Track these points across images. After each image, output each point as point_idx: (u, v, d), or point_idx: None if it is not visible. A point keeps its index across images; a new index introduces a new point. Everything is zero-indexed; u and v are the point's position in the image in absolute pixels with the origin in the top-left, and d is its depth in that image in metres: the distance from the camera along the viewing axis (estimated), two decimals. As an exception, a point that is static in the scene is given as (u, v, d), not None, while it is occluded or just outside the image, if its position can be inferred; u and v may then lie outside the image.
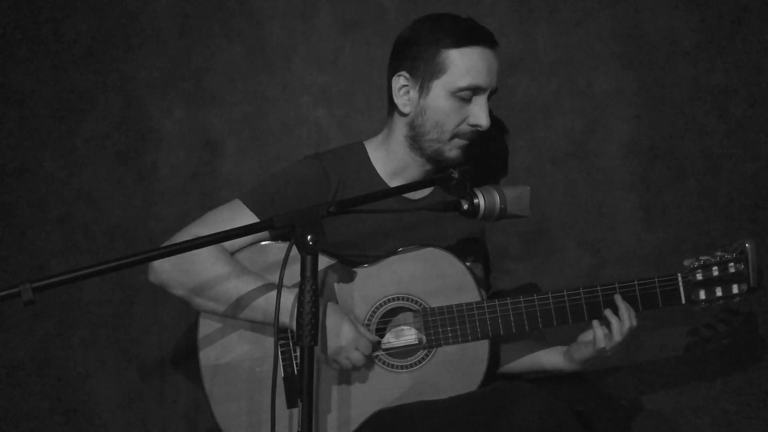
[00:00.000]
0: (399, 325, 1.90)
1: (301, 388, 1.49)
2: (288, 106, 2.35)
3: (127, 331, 2.31)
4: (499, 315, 1.88)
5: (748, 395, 2.37)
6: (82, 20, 2.31)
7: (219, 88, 2.34)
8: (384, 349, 1.87)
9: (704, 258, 1.94)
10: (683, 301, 1.93)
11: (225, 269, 1.76)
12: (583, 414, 2.34)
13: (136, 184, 2.33)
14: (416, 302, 1.88)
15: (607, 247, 2.39)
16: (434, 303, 1.88)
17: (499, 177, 2.38)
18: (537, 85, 2.38)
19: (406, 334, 1.90)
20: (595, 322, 1.87)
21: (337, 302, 1.84)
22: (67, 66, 2.31)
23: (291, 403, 1.82)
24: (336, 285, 1.86)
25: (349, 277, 1.86)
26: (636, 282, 1.90)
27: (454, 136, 1.87)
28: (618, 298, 1.88)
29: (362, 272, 1.87)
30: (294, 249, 1.49)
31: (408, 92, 1.89)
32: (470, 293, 1.89)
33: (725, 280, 1.94)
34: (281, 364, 1.82)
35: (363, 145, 1.99)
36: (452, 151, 1.88)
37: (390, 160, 1.95)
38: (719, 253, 1.95)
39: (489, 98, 1.88)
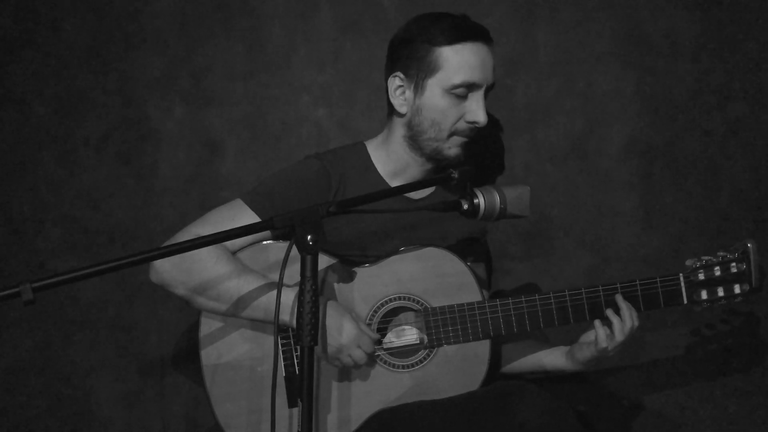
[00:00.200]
0: (400, 325, 1.90)
1: (301, 387, 1.49)
2: (288, 106, 2.36)
3: (127, 331, 2.32)
4: (500, 315, 1.88)
5: (749, 395, 2.37)
6: (82, 20, 2.31)
7: (219, 88, 2.34)
8: (385, 349, 1.87)
9: (706, 258, 1.94)
10: (685, 302, 1.93)
11: (226, 268, 1.76)
12: (584, 414, 2.34)
13: (136, 184, 2.33)
14: (417, 302, 1.88)
15: (607, 247, 2.39)
16: (435, 303, 1.88)
17: (499, 177, 2.38)
18: (537, 85, 2.38)
19: (408, 334, 1.90)
20: (597, 322, 1.87)
21: (336, 301, 1.84)
22: (67, 66, 2.31)
23: (292, 403, 1.82)
24: (336, 284, 1.86)
25: (350, 277, 1.86)
26: (638, 282, 1.90)
27: (452, 134, 1.87)
28: (619, 298, 1.88)
29: (363, 272, 1.87)
30: (294, 248, 1.49)
31: (404, 92, 1.89)
32: (471, 293, 1.89)
33: (727, 281, 1.94)
34: (282, 363, 1.82)
35: (364, 145, 1.99)
36: (451, 149, 1.88)
37: (390, 160, 1.95)
38: (721, 253, 1.95)
39: (486, 94, 1.87)
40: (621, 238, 2.39)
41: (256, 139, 2.35)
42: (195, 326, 1.84)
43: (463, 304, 1.87)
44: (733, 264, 1.93)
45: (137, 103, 2.33)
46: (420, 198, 1.98)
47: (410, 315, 1.90)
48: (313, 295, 1.49)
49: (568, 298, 1.89)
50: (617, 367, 2.38)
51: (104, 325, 2.31)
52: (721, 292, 1.94)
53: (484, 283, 2.01)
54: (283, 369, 1.82)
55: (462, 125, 1.86)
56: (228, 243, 1.78)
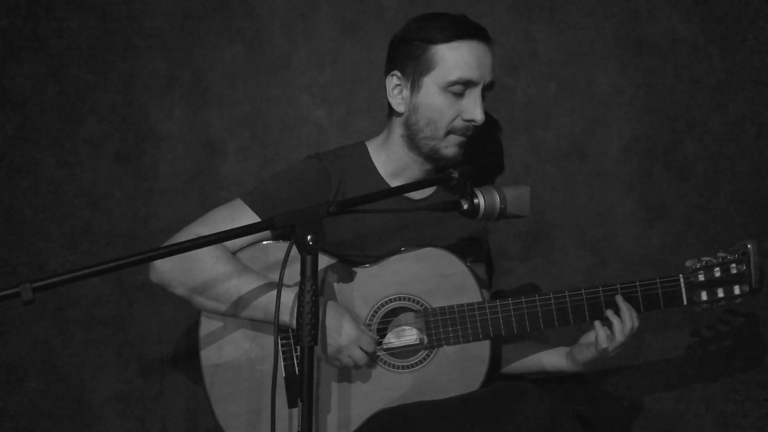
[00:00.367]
0: (400, 325, 1.90)
1: (301, 387, 1.49)
2: (288, 106, 2.36)
3: (127, 331, 2.32)
4: (500, 315, 1.88)
5: (749, 396, 2.37)
6: (82, 20, 2.31)
7: (219, 88, 2.34)
8: (385, 349, 1.87)
9: (706, 259, 1.94)
10: (685, 303, 1.93)
11: (226, 268, 1.76)
12: (584, 415, 2.34)
13: (136, 184, 2.33)
14: (418, 302, 1.88)
15: (607, 247, 2.39)
16: (435, 303, 1.88)
17: (499, 177, 2.38)
18: (537, 85, 2.38)
19: (408, 334, 1.90)
20: (597, 323, 1.87)
21: (336, 302, 1.84)
22: (68, 66, 2.31)
23: (292, 403, 1.82)
24: (336, 284, 1.86)
25: (350, 277, 1.86)
26: (638, 283, 1.91)
27: (449, 132, 1.86)
28: (619, 299, 1.88)
29: (363, 272, 1.87)
30: (294, 248, 1.49)
31: (401, 91, 1.89)
32: (472, 293, 1.89)
33: (727, 281, 1.94)
34: (282, 363, 1.82)
35: (364, 145, 1.99)
36: (448, 148, 1.88)
37: (390, 160, 1.95)
38: (721, 254, 1.95)
39: (484, 93, 1.87)
40: (621, 238, 2.39)
41: (256, 139, 2.35)
42: (195, 326, 1.84)
43: (463, 305, 1.87)
44: (733, 265, 1.93)
45: (137, 103, 2.33)
46: (420, 198, 1.98)
47: (410, 315, 1.90)
48: (313, 295, 1.49)
49: (568, 299, 1.89)
50: (617, 368, 2.38)
51: (104, 325, 2.31)
52: (720, 293, 1.94)
53: (484, 284, 2.01)
54: (283, 369, 1.82)
55: (459, 123, 1.85)
56: (228, 243, 1.78)
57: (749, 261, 1.94)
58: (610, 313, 1.87)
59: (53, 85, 2.31)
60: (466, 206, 1.72)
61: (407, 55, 1.86)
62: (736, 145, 2.39)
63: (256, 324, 1.81)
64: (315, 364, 1.79)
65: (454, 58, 1.81)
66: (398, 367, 1.86)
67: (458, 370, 1.87)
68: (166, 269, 1.76)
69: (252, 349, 1.83)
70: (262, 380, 1.81)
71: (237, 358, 1.82)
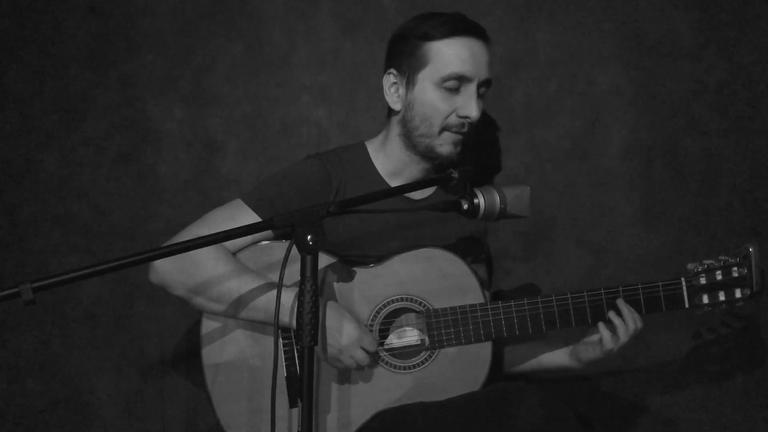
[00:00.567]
0: (402, 326, 1.90)
1: (301, 388, 1.49)
2: (288, 106, 2.36)
3: (127, 331, 2.32)
4: (502, 317, 1.87)
5: (750, 397, 2.37)
6: (82, 20, 2.31)
7: (219, 88, 2.34)
8: (387, 350, 1.87)
9: (708, 262, 1.94)
10: (687, 306, 1.93)
11: (226, 269, 1.76)
12: (583, 416, 2.34)
13: (136, 184, 2.33)
14: (419, 303, 1.88)
15: (607, 247, 2.39)
16: (437, 304, 1.87)
17: (499, 177, 2.38)
18: (537, 85, 2.38)
19: (409, 335, 1.90)
20: (601, 325, 1.87)
21: (337, 302, 1.84)
22: (67, 66, 2.31)
23: (293, 403, 1.82)
24: (336, 284, 1.86)
25: (350, 277, 1.86)
26: (640, 286, 1.90)
27: (444, 129, 1.86)
28: (621, 302, 1.88)
29: (364, 272, 1.87)
30: (294, 248, 1.49)
31: (398, 89, 1.89)
32: (474, 294, 1.89)
33: (728, 285, 1.94)
34: (283, 363, 1.82)
35: (364, 145, 1.99)
36: (443, 146, 1.87)
37: (389, 160, 1.95)
38: (722, 257, 1.95)
39: (481, 91, 1.86)
40: (621, 238, 2.39)
41: (256, 139, 2.35)
42: (196, 325, 1.84)
43: (465, 306, 1.87)
44: (735, 268, 1.93)
45: (137, 103, 2.33)
46: (420, 198, 1.98)
47: (412, 316, 1.90)
48: (313, 295, 1.49)
49: (570, 301, 1.89)
50: (617, 369, 2.38)
51: (104, 325, 2.31)
52: (722, 297, 1.94)
53: (485, 284, 2.01)
54: (284, 369, 1.82)
55: (453, 120, 1.85)
56: (228, 243, 1.78)
57: (751, 264, 1.93)
58: (612, 315, 1.87)
59: (53, 85, 2.31)
60: (466, 206, 1.72)
61: (403, 52, 1.86)
62: (736, 145, 2.39)
63: (258, 324, 1.81)
64: (316, 364, 1.79)
65: (448, 54, 1.81)
66: (399, 368, 1.86)
67: (460, 371, 1.87)
68: (165, 270, 1.76)
69: (253, 349, 1.83)
70: (263, 380, 1.81)
71: (238, 358, 1.82)
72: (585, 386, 2.38)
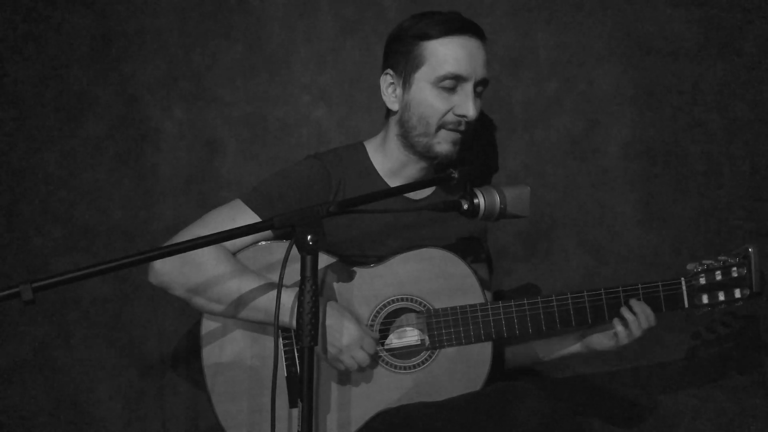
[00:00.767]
0: (402, 326, 1.90)
1: (301, 388, 1.49)
2: (288, 106, 2.36)
3: (127, 331, 2.31)
4: (502, 317, 1.87)
5: (749, 397, 2.37)
6: (82, 20, 2.31)
7: (219, 88, 2.34)
8: (387, 350, 1.87)
9: (707, 262, 1.94)
10: (686, 306, 1.93)
11: (226, 269, 1.76)
12: (584, 415, 2.35)
13: (136, 184, 2.33)
14: (420, 303, 1.87)
15: (607, 247, 2.39)
16: (438, 304, 1.87)
17: (499, 177, 2.38)
18: (537, 85, 2.38)
19: (409, 335, 1.89)
20: (616, 320, 1.89)
21: (337, 302, 1.84)
22: (67, 66, 2.31)
23: (293, 403, 1.82)
24: (336, 284, 1.85)
25: (350, 277, 1.86)
26: (640, 286, 1.91)
27: (440, 127, 1.85)
28: (633, 301, 1.89)
29: (365, 272, 1.87)
30: (294, 248, 1.49)
31: (395, 90, 1.89)
32: (474, 295, 1.89)
33: (728, 285, 1.94)
34: (284, 363, 1.82)
35: (363, 145, 1.99)
36: (441, 145, 1.87)
37: (388, 160, 1.95)
38: (722, 258, 1.95)
39: (478, 90, 1.86)
40: (621, 238, 2.39)
41: (256, 139, 2.35)
42: (196, 325, 1.84)
43: (465, 306, 1.87)
44: (734, 268, 1.93)
45: (137, 103, 2.33)
46: (420, 198, 1.98)
47: (412, 316, 1.90)
48: (313, 295, 1.49)
49: (570, 301, 1.89)
50: (617, 368, 2.38)
51: (104, 325, 2.31)
52: (721, 297, 1.94)
53: (485, 284, 2.01)
54: (284, 369, 1.82)
55: (450, 117, 1.84)
56: (228, 244, 1.78)
57: (750, 264, 1.93)
58: (625, 310, 1.88)
59: (53, 85, 2.31)
60: (466, 206, 1.71)
61: (399, 52, 1.86)
62: (736, 145, 2.39)
63: (258, 323, 1.81)
64: (316, 364, 1.79)
65: (444, 54, 1.81)
66: (400, 368, 1.86)
67: (460, 371, 1.87)
68: (165, 271, 1.75)
69: (253, 349, 1.83)
70: (262, 380, 1.81)
71: (238, 358, 1.82)
72: (585, 386, 2.38)
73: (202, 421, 2.28)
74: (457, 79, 1.82)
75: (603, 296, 1.90)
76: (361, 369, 1.80)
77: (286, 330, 1.81)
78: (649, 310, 1.88)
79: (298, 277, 1.50)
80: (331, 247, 1.86)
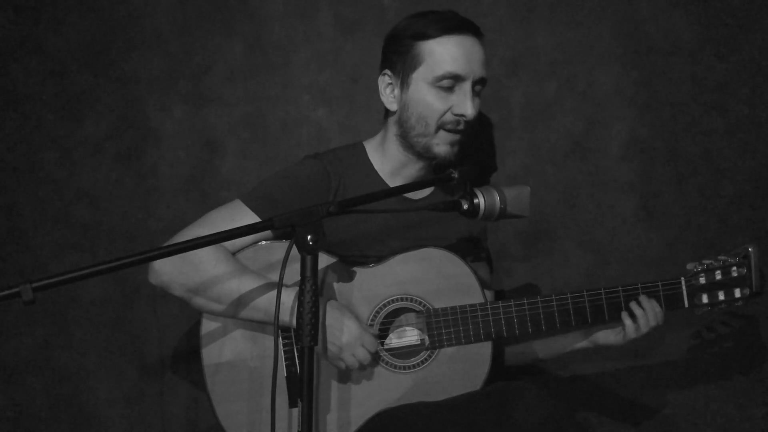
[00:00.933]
0: (402, 326, 1.90)
1: (301, 387, 1.49)
2: (288, 106, 2.36)
3: (127, 331, 2.32)
4: (502, 317, 1.88)
5: (749, 397, 2.37)
6: (82, 20, 2.31)
7: (219, 88, 2.34)
8: (387, 350, 1.87)
9: (707, 262, 1.94)
10: (686, 305, 1.93)
11: (226, 269, 1.76)
12: (583, 415, 2.35)
13: (136, 184, 2.33)
14: (419, 303, 1.88)
15: (607, 247, 2.39)
16: (438, 304, 1.87)
17: (499, 177, 2.38)
18: (537, 85, 2.38)
19: (409, 335, 1.90)
20: (624, 314, 1.89)
21: (338, 301, 1.84)
22: (67, 66, 2.31)
23: (293, 403, 1.82)
24: (336, 284, 1.86)
25: (350, 277, 1.86)
26: (639, 285, 1.91)
27: (440, 127, 1.85)
28: (643, 298, 1.89)
29: (364, 272, 1.87)
30: (294, 248, 1.49)
31: (393, 90, 1.89)
32: (474, 294, 1.89)
33: (728, 285, 1.94)
34: (284, 363, 1.82)
35: (363, 145, 1.99)
36: (440, 146, 1.87)
37: (387, 160, 1.95)
38: (722, 257, 1.95)
39: (477, 89, 1.86)
40: (621, 238, 2.39)
41: (256, 139, 2.35)
42: (196, 325, 1.84)
43: (465, 306, 1.87)
44: (734, 268, 1.93)
45: (137, 103, 2.33)
46: (419, 198, 1.98)
47: (412, 316, 1.90)
48: (313, 295, 1.49)
49: (570, 301, 1.89)
50: (617, 368, 2.38)
51: (104, 325, 2.31)
52: (721, 296, 1.94)
53: (486, 284, 2.01)
54: (284, 369, 1.82)
55: (449, 117, 1.84)
56: (228, 244, 1.78)
57: (750, 264, 1.94)
58: (634, 305, 1.88)
59: (53, 85, 2.31)
60: (466, 206, 1.71)
61: (396, 53, 1.86)
62: (736, 145, 2.39)
63: (258, 323, 1.81)
64: (316, 364, 1.79)
65: (441, 53, 1.81)
66: (399, 368, 1.86)
67: (460, 371, 1.87)
68: (165, 271, 1.76)
69: (253, 349, 1.83)
70: (262, 380, 1.81)
71: (238, 358, 1.82)
72: (585, 385, 2.38)
73: (202, 421, 2.28)
74: (455, 79, 1.82)
75: (603, 296, 1.90)
76: (362, 367, 1.80)
77: (285, 330, 1.81)
78: (658, 308, 1.89)
79: (298, 277, 1.50)
80: (331, 247, 1.86)
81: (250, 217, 1.80)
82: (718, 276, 1.93)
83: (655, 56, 2.38)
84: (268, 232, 1.79)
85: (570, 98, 2.38)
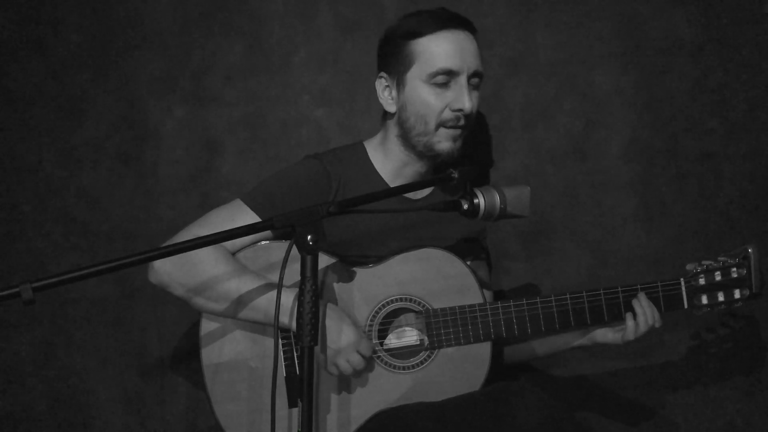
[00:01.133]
0: (401, 326, 1.90)
1: (301, 388, 1.49)
2: (288, 106, 2.36)
3: (127, 330, 2.32)
4: (501, 317, 1.87)
5: (749, 398, 2.37)
6: (82, 20, 2.31)
7: (219, 88, 2.34)
8: (386, 350, 1.87)
9: (707, 263, 1.94)
10: (686, 306, 1.93)
11: (225, 269, 1.76)
12: (583, 415, 2.34)
13: (136, 184, 2.33)
14: (419, 303, 1.87)
15: (607, 248, 2.39)
16: (437, 304, 1.87)
17: (499, 177, 2.38)
18: (537, 85, 2.38)
19: (408, 335, 1.89)
20: (629, 314, 1.88)
21: (337, 302, 1.84)
22: (67, 66, 2.31)
23: (292, 403, 1.82)
24: (336, 285, 1.85)
25: (350, 277, 1.86)
26: (639, 286, 1.90)
27: (439, 125, 1.85)
28: (642, 296, 1.89)
29: (364, 272, 1.87)
30: (294, 249, 1.49)
31: (390, 92, 1.89)
32: (473, 295, 1.89)
33: (728, 285, 1.93)
34: (283, 363, 1.82)
35: (363, 145, 1.99)
36: (441, 143, 1.87)
37: (388, 160, 1.95)
38: (722, 258, 1.94)
39: (473, 82, 1.85)
40: (621, 238, 2.39)
41: (256, 139, 2.35)
42: (196, 325, 1.84)
43: (464, 306, 1.87)
44: (734, 269, 1.93)
45: (137, 103, 2.33)
46: (419, 198, 1.98)
47: (411, 316, 1.90)
48: (313, 295, 1.49)
49: (569, 302, 1.89)
50: (617, 368, 2.38)
51: (104, 325, 2.31)
52: (721, 297, 1.94)
53: (485, 285, 2.01)
54: (284, 369, 1.82)
55: (448, 114, 1.84)
56: (227, 244, 1.78)
57: (750, 265, 1.93)
58: (636, 303, 1.88)
59: (53, 85, 2.31)
60: (466, 206, 1.71)
61: (390, 54, 1.87)
62: (736, 145, 2.39)
63: (257, 324, 1.81)
64: (315, 364, 1.79)
65: (433, 50, 1.81)
66: (399, 368, 1.86)
67: (459, 371, 1.87)
68: (165, 271, 1.76)
69: (253, 349, 1.83)
70: (262, 380, 1.81)
71: (238, 358, 1.82)
72: (585, 386, 2.38)
73: (202, 421, 2.28)
74: (450, 74, 1.82)
75: (602, 297, 1.89)
76: (356, 373, 1.80)
77: (285, 330, 1.81)
78: (655, 310, 1.88)
79: (298, 278, 1.50)
80: (331, 247, 1.86)
81: (250, 217, 1.80)
82: (718, 277, 1.93)
83: (655, 56, 2.38)
84: (268, 232, 1.79)
85: (570, 98, 2.38)
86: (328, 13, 2.35)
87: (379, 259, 1.89)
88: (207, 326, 1.83)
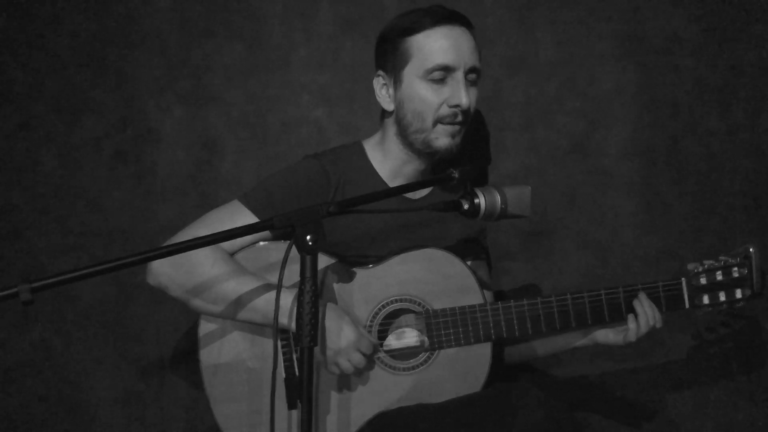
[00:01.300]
0: (401, 327, 1.89)
1: (300, 389, 1.49)
2: (288, 106, 2.35)
3: (127, 330, 2.31)
4: (502, 317, 1.87)
5: (750, 397, 2.37)
6: (82, 20, 2.31)
7: (219, 87, 2.34)
8: (386, 351, 1.87)
9: (708, 262, 1.94)
10: (687, 306, 1.92)
11: (224, 270, 1.75)
12: (583, 415, 2.34)
13: (136, 184, 2.33)
14: (419, 304, 1.87)
15: (608, 247, 2.39)
16: (437, 305, 1.87)
17: (499, 177, 2.38)
18: (537, 85, 2.38)
19: (408, 336, 1.89)
20: (631, 316, 1.88)
21: (336, 303, 1.83)
22: (67, 66, 2.31)
23: (291, 405, 1.81)
24: (336, 285, 1.85)
25: (350, 278, 1.86)
26: (640, 286, 1.90)
27: (437, 121, 1.84)
28: (642, 296, 1.88)
29: (364, 273, 1.87)
30: (294, 249, 1.48)
31: (388, 90, 1.89)
32: (473, 295, 1.88)
33: (729, 285, 1.93)
34: (282, 365, 1.82)
35: (361, 144, 1.98)
36: (440, 139, 1.86)
37: (387, 159, 1.95)
38: (723, 258, 1.94)
39: (470, 78, 1.84)
40: (621, 238, 2.39)
41: (256, 139, 2.35)
42: (194, 326, 1.84)
43: (464, 307, 1.87)
44: (735, 268, 1.93)
45: (137, 102, 2.32)
46: (419, 198, 1.98)
47: (411, 317, 1.89)
48: (313, 295, 1.48)
49: (570, 302, 1.89)
50: (617, 368, 2.38)
51: (104, 325, 2.31)
52: (722, 297, 1.93)
53: (485, 285, 2.01)
54: (283, 370, 1.82)
55: (445, 110, 1.83)
56: (226, 244, 1.78)
57: (751, 264, 1.93)
58: (637, 303, 1.87)
59: (52, 84, 2.31)
60: (466, 206, 1.71)
61: (387, 51, 1.87)
62: (736, 145, 2.38)
63: (256, 325, 1.80)
64: (315, 365, 1.78)
65: (429, 46, 1.81)
66: (399, 369, 1.86)
67: (459, 372, 1.87)
68: (163, 272, 1.75)
69: (252, 350, 1.82)
70: (261, 381, 1.81)
71: (236, 359, 1.82)
72: (585, 386, 2.38)
73: (201, 422, 2.28)
74: (446, 70, 1.81)
75: (603, 297, 1.89)
76: (357, 372, 1.80)
77: (284, 331, 1.81)
78: (656, 310, 1.87)
79: (298, 278, 1.49)
80: (331, 247, 1.86)
81: (250, 218, 1.79)
82: (719, 277, 1.93)
83: (655, 56, 2.37)
84: (266, 233, 1.79)
85: (570, 98, 2.38)
86: (328, 12, 2.34)
87: (379, 259, 1.89)
88: (206, 327, 1.83)
